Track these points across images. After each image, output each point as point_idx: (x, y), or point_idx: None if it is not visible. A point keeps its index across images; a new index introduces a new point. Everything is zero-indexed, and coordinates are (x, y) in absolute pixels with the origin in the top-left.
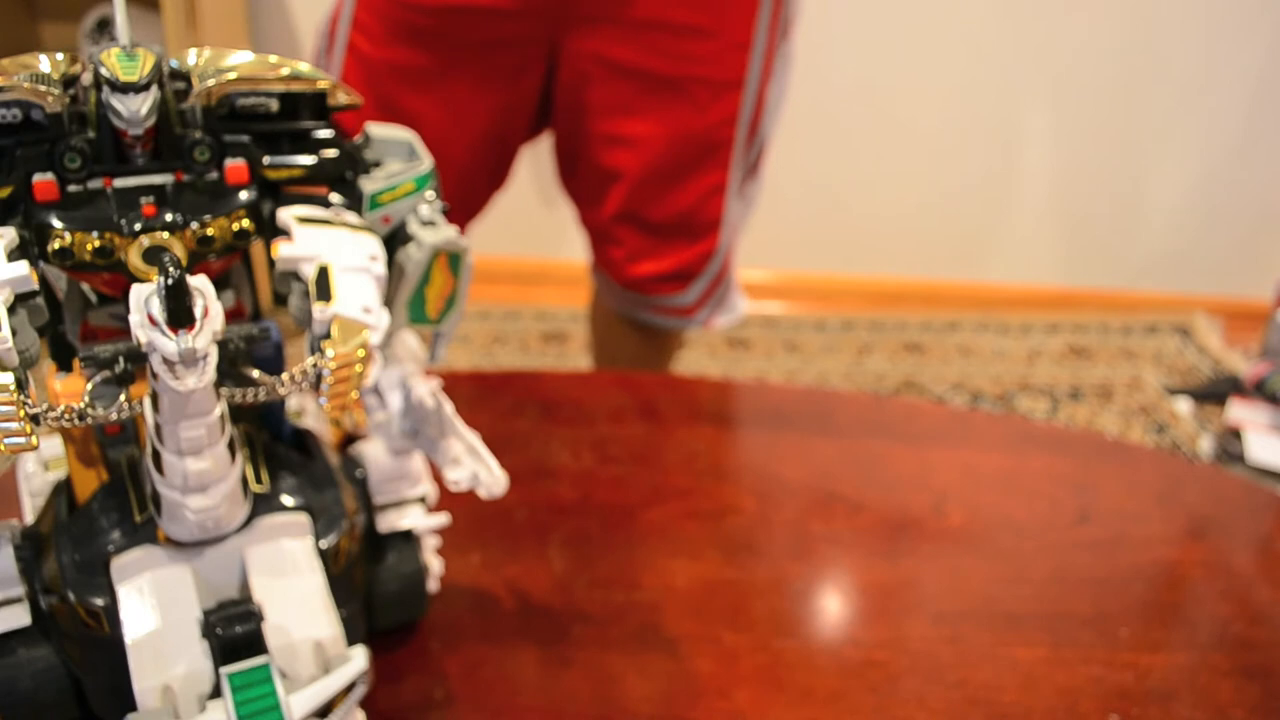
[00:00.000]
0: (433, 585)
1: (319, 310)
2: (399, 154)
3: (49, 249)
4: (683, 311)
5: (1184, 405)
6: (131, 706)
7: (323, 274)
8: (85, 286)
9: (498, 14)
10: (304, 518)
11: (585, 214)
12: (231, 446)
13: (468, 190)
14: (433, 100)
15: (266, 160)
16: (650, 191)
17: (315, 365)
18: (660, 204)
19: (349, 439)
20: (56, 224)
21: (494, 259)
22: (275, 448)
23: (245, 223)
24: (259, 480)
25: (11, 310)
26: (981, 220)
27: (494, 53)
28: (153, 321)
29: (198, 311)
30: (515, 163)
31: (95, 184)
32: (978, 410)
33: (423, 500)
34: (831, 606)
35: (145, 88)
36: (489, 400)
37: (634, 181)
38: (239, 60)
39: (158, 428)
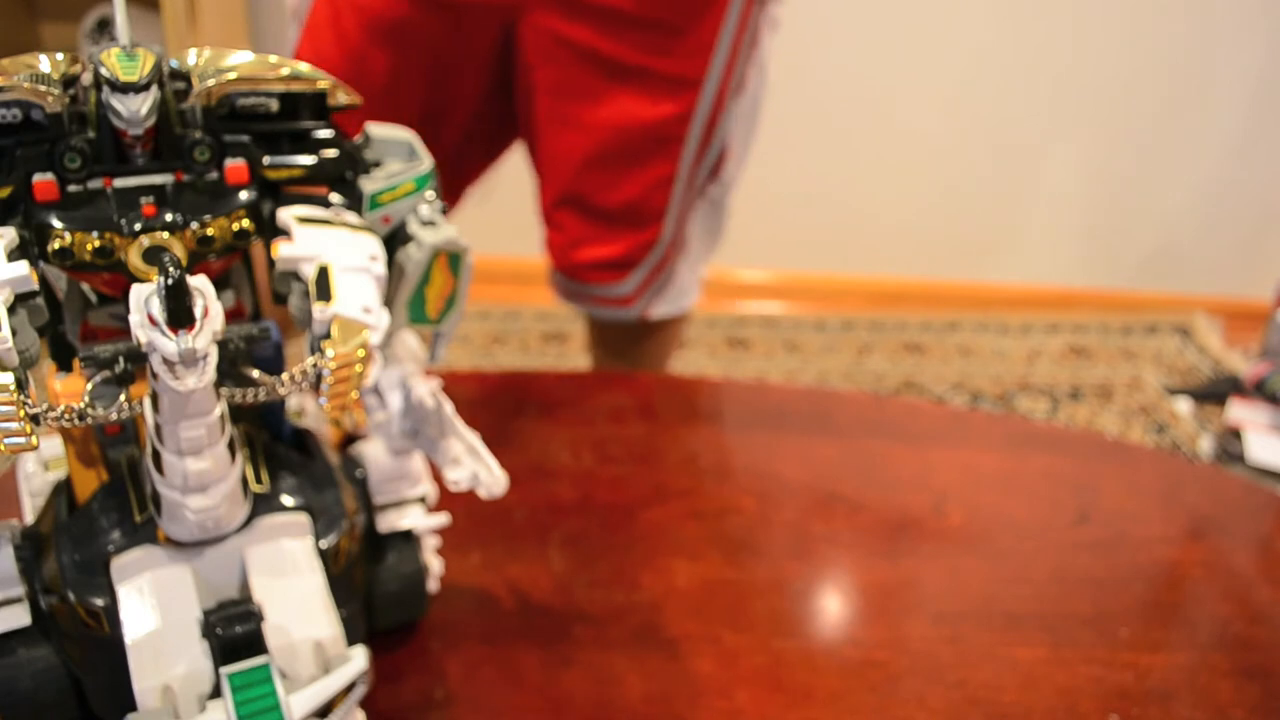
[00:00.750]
0: (433, 585)
1: (319, 310)
2: (399, 154)
3: (49, 249)
4: (621, 301)
5: (1184, 405)
6: (131, 706)
7: (323, 274)
8: (85, 286)
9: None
10: (304, 518)
11: (539, 198)
12: (231, 446)
13: (452, 156)
14: (395, 49)
15: (266, 160)
16: (595, 177)
17: (315, 365)
18: (604, 191)
19: (349, 439)
20: (56, 224)
21: (494, 259)
22: (275, 448)
23: (245, 223)
24: (259, 480)
25: (11, 310)
26: (981, 220)
27: (458, 12)
28: (153, 321)
29: (198, 311)
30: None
31: (95, 184)
32: (978, 410)
33: (423, 500)
34: (831, 606)
35: (145, 88)
36: (489, 400)
37: (580, 165)
38: (239, 60)
39: (158, 428)
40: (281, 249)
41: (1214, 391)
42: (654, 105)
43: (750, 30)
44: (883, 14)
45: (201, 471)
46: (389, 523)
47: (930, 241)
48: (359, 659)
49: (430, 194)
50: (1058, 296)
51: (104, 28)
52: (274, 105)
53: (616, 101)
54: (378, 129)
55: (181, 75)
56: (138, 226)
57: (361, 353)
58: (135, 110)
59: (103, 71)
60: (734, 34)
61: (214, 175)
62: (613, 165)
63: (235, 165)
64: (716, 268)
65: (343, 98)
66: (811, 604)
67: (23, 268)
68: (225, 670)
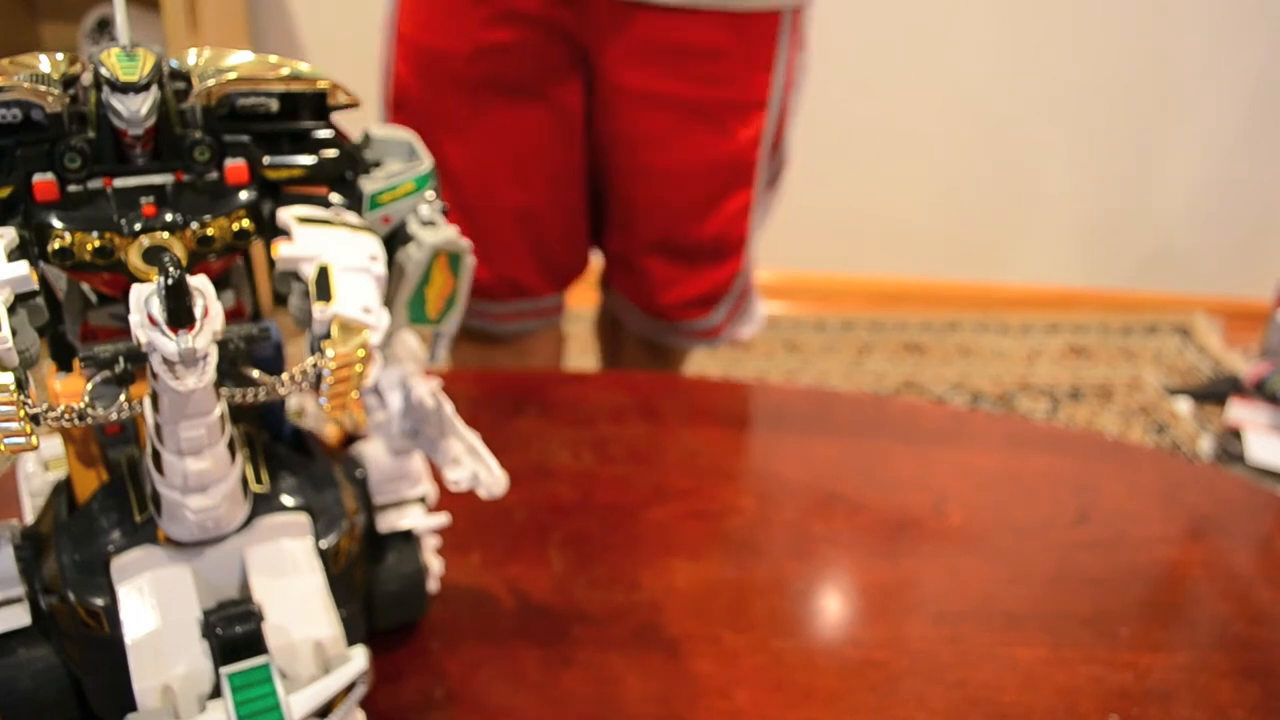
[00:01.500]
0: (433, 585)
1: (319, 310)
2: (399, 154)
3: (49, 249)
4: (709, 333)
5: (1184, 405)
6: (131, 706)
7: (323, 274)
8: (85, 286)
9: (527, 47)
10: (304, 518)
11: (610, 240)
12: (231, 446)
13: (539, 233)
14: (484, 146)
15: (266, 160)
16: (680, 219)
17: (315, 365)
18: (689, 232)
19: (349, 439)
20: (56, 224)
21: None
22: (275, 448)
23: (245, 223)
24: (259, 480)
25: (11, 310)
26: (982, 220)
27: (535, 87)
28: (153, 321)
29: (198, 311)
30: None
31: (95, 184)
32: (978, 410)
33: (423, 500)
34: (831, 606)
35: (145, 88)
36: (489, 400)
37: (664, 211)
38: (239, 60)
39: (158, 428)
40: (281, 249)
41: (1214, 391)
42: (728, 136)
43: (800, 34)
44: (882, 14)
45: (201, 471)
46: (389, 523)
47: (930, 241)
48: (359, 659)
49: (430, 194)
50: (1058, 296)
51: (104, 28)
52: (274, 105)
53: (692, 140)
54: (378, 129)
55: (181, 75)
56: (138, 226)
57: (361, 353)
58: (135, 110)
59: (103, 71)
60: (789, 42)
61: (214, 175)
62: (696, 205)
63: (235, 165)
64: None
65: (343, 98)
66: (811, 604)
67: (23, 268)
68: (225, 670)
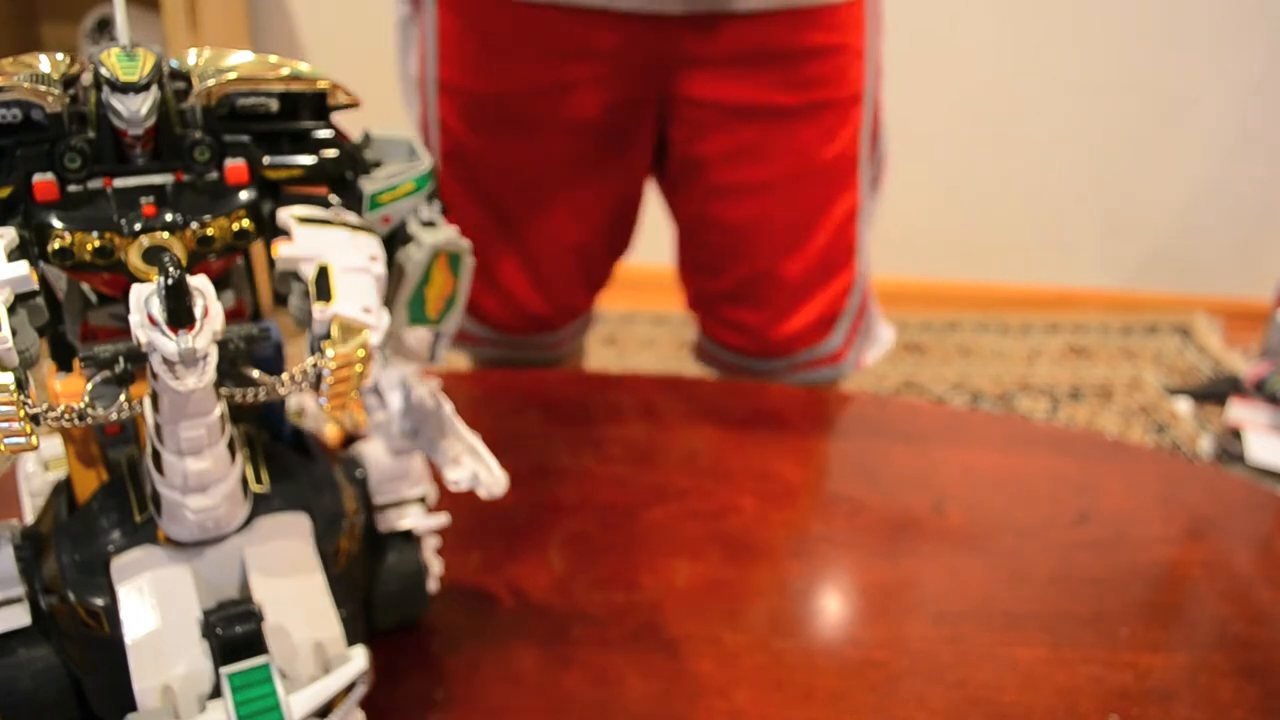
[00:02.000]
0: (433, 585)
1: (319, 310)
2: (399, 154)
3: (49, 249)
4: (831, 359)
5: (1184, 405)
6: (131, 706)
7: (323, 274)
8: (85, 286)
9: (597, 83)
10: (304, 518)
11: (706, 283)
12: (231, 446)
13: (591, 261)
14: (542, 197)
15: (266, 160)
16: (783, 240)
17: (315, 365)
18: (796, 250)
19: (349, 439)
20: (56, 224)
21: None
22: (275, 448)
23: (245, 223)
24: (259, 480)
25: (11, 310)
26: (981, 220)
27: (600, 123)
28: (153, 321)
29: (198, 311)
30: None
31: (95, 184)
32: (978, 410)
33: (423, 500)
34: (831, 606)
35: (145, 88)
36: (489, 400)
37: (766, 231)
38: (239, 60)
39: (158, 428)
40: (281, 249)
41: (1214, 391)
42: (829, 138)
43: (880, 17)
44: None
45: (201, 471)
46: (389, 523)
47: (930, 241)
48: (359, 659)
49: (430, 194)
50: (1058, 296)
51: (104, 28)
52: (274, 105)
53: (790, 148)
54: (378, 129)
55: (181, 75)
56: (138, 226)
57: (361, 353)
58: (135, 110)
59: (103, 71)
60: (875, 29)
61: (214, 175)
62: (800, 218)
63: (235, 165)
64: None
65: (343, 98)
66: (811, 604)
67: (23, 268)
68: (225, 670)
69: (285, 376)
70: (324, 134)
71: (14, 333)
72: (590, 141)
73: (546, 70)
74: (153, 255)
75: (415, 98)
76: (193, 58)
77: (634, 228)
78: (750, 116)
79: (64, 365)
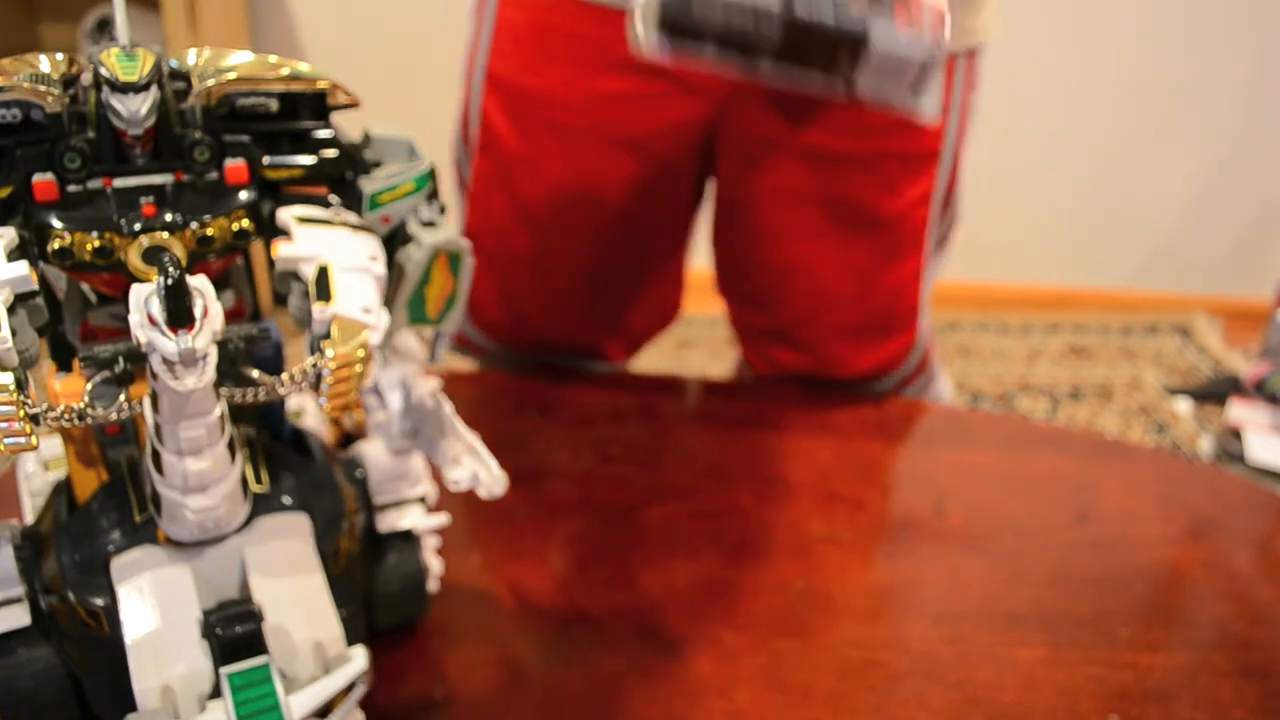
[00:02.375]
0: (433, 585)
1: (319, 310)
2: (399, 154)
3: (49, 249)
4: (879, 396)
5: (1184, 405)
6: (131, 706)
7: (322, 274)
8: (85, 286)
9: (652, 99)
10: (304, 518)
11: (751, 317)
12: (231, 446)
13: (614, 301)
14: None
15: (266, 160)
16: (835, 290)
17: (315, 365)
18: (847, 305)
19: (349, 439)
20: (56, 224)
21: None
22: (275, 448)
23: (245, 223)
24: (259, 480)
25: (11, 310)
26: (981, 220)
27: (647, 141)
28: (153, 321)
29: (197, 311)
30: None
31: (95, 184)
32: (978, 410)
33: (423, 500)
34: (831, 606)
35: (145, 88)
36: (489, 400)
37: (814, 280)
38: (239, 60)
39: (158, 428)
40: (281, 249)
41: (1214, 391)
42: (893, 193)
43: (975, 74)
44: None
45: (201, 471)
46: (389, 523)
47: None
48: (359, 659)
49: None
50: (1058, 296)
51: (104, 28)
52: (274, 105)
53: (841, 195)
54: (378, 129)
55: (181, 75)
56: (137, 226)
57: (361, 353)
58: (135, 110)
59: (102, 71)
60: (963, 84)
61: (214, 175)
62: (852, 270)
63: (235, 165)
64: None
65: (342, 98)
66: (811, 604)
67: (23, 268)
68: (225, 670)
69: (285, 376)
70: (324, 134)
71: (14, 333)
72: (632, 162)
73: (600, 78)
74: (152, 255)
75: (466, 84)
76: (192, 58)
77: (678, 292)
78: (807, 157)
79: (64, 365)
